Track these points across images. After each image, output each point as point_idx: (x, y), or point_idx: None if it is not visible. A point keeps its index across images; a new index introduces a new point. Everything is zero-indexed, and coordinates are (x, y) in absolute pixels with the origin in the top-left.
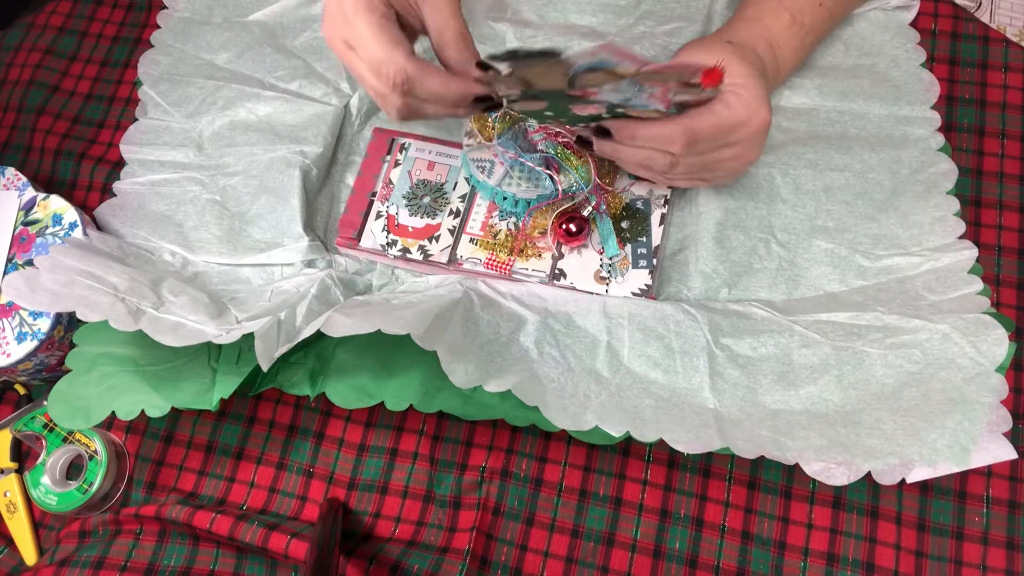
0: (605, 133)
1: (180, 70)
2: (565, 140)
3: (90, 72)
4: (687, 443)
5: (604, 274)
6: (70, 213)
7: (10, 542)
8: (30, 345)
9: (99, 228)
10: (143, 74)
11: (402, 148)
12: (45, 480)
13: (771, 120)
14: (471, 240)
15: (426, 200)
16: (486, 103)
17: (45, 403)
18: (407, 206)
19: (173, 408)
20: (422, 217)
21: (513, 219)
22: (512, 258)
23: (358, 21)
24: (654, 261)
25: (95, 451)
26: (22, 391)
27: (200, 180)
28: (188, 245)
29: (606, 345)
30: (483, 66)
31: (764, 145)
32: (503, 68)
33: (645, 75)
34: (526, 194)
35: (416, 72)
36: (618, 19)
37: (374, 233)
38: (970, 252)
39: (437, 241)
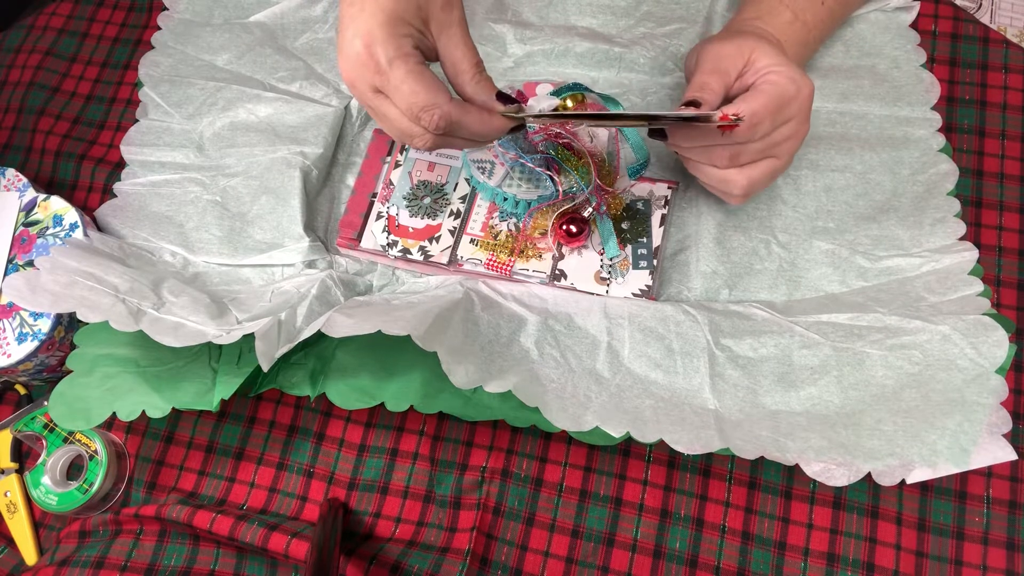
0: (661, 135)
1: (181, 71)
2: (565, 141)
3: (91, 73)
4: (687, 444)
5: (604, 275)
6: (71, 214)
7: (10, 542)
8: (31, 346)
9: (100, 229)
10: (144, 75)
11: (402, 149)
12: (45, 480)
13: (815, 88)
14: (471, 241)
15: (426, 201)
16: (516, 130)
17: (46, 403)
18: (407, 207)
19: (174, 409)
20: (422, 218)
21: (513, 220)
22: (512, 259)
23: (395, 71)
24: (654, 262)
25: (95, 451)
26: (23, 391)
27: (201, 181)
28: (189, 246)
29: (606, 346)
30: (502, 98)
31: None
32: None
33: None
34: (526, 195)
35: (459, 115)
36: (619, 20)
37: (375, 234)
38: (971, 253)
39: (437, 242)
